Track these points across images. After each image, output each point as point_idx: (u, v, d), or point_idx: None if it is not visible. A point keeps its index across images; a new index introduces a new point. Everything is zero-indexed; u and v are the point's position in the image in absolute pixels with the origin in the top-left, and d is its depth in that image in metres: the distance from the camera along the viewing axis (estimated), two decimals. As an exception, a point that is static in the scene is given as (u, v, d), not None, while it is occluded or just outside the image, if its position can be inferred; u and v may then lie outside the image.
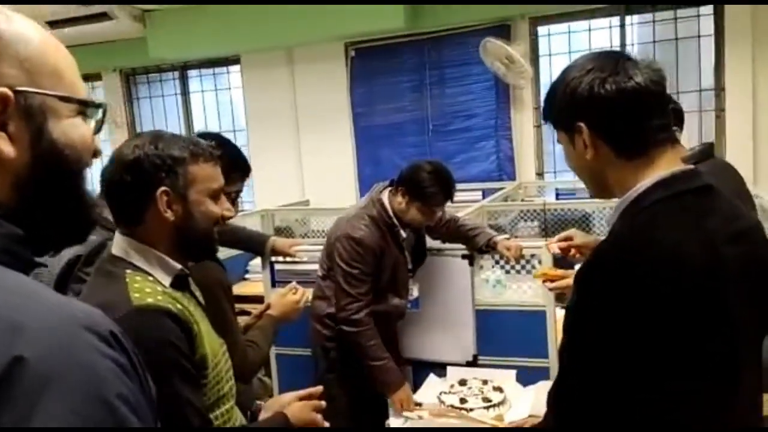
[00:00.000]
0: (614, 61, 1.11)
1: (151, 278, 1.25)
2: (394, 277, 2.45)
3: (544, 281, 1.88)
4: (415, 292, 2.59)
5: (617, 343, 1.01)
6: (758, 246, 1.11)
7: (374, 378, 2.36)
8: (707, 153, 1.83)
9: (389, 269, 2.42)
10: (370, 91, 5.67)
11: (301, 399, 1.53)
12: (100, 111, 0.77)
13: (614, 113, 1.08)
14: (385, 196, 2.44)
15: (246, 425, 1.44)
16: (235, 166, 1.81)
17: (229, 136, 6.28)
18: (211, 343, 1.30)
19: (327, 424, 1.51)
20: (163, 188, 1.24)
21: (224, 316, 1.63)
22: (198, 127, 6.46)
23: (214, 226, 1.33)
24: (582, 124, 1.11)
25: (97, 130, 0.77)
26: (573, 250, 1.79)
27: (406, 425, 2.19)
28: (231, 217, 1.44)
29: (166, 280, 1.27)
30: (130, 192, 1.24)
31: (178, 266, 1.29)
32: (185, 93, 6.45)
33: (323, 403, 1.53)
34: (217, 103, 6.41)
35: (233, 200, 1.85)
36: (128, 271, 1.24)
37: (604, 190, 1.18)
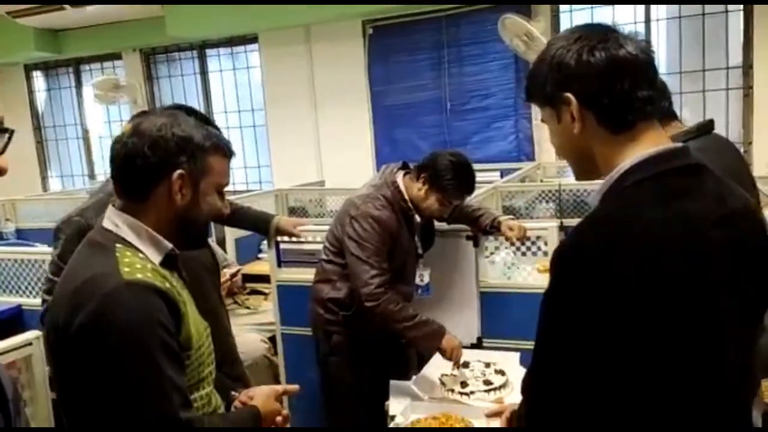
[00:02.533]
0: (602, 31, 1.07)
1: (141, 255, 1.24)
2: (403, 263, 2.41)
3: None
4: (426, 277, 2.55)
5: (594, 329, 0.96)
6: (748, 228, 1.06)
7: (415, 339, 2.32)
8: (705, 129, 1.73)
9: (400, 254, 2.38)
10: (387, 70, 5.61)
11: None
12: (6, 135, 0.88)
13: (603, 82, 1.04)
14: (399, 179, 2.40)
15: (221, 413, 1.43)
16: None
17: (248, 115, 6.38)
18: (196, 325, 1.29)
19: (286, 412, 1.49)
20: (180, 171, 1.24)
21: (207, 300, 1.61)
22: (217, 107, 6.47)
23: (213, 220, 1.33)
24: (570, 95, 1.06)
25: (2, 151, 0.90)
26: None
27: (405, 407, 2.17)
28: (226, 215, 1.43)
29: (156, 258, 1.26)
30: (146, 167, 1.23)
31: (170, 245, 1.28)
32: (204, 72, 6.47)
33: (296, 387, 1.54)
34: (236, 83, 6.41)
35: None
36: (118, 245, 1.23)
37: (589, 170, 1.13)
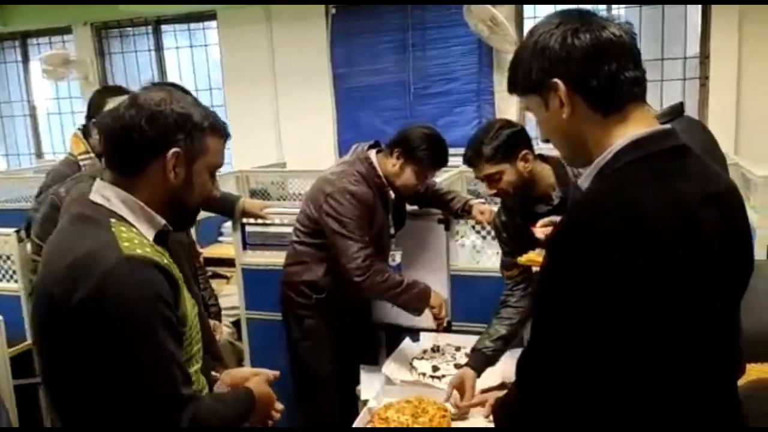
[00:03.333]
0: (582, 15, 1.07)
1: (135, 230, 1.21)
2: (378, 242, 2.38)
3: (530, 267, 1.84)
4: (397, 257, 2.53)
5: (590, 310, 0.94)
6: (733, 208, 1.07)
7: (405, 302, 2.32)
8: (678, 111, 1.76)
9: (376, 230, 2.35)
10: (350, 52, 5.53)
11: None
12: None
13: (590, 64, 1.03)
14: (372, 156, 2.36)
15: (215, 393, 1.43)
16: None
17: (205, 95, 6.20)
18: (189, 302, 1.27)
19: (281, 406, 1.52)
20: (176, 149, 1.21)
21: (185, 278, 1.58)
22: (173, 85, 6.29)
23: (203, 202, 1.32)
24: (557, 80, 1.05)
25: None
26: None
27: (377, 390, 2.15)
28: (216, 198, 1.41)
29: (150, 234, 1.23)
30: (143, 141, 1.19)
31: (162, 221, 1.26)
32: (159, 49, 6.24)
33: (277, 373, 1.55)
34: (193, 61, 6.21)
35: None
36: (112, 219, 1.19)
37: (582, 154, 1.10)
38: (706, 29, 4.72)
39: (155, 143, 1.20)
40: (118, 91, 2.52)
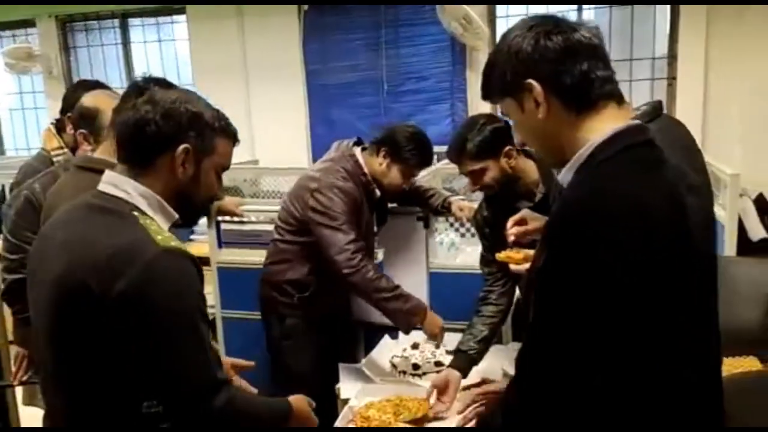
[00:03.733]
0: (553, 19, 1.12)
1: (155, 223, 1.24)
2: (365, 238, 2.36)
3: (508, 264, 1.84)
4: (380, 255, 2.52)
5: (600, 302, 0.95)
6: (707, 199, 1.17)
7: (394, 312, 2.20)
8: (658, 110, 1.79)
9: (362, 229, 2.33)
10: (323, 48, 5.49)
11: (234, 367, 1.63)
12: None
13: (562, 63, 1.07)
14: (358, 153, 2.34)
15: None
16: None
17: (175, 90, 6.07)
18: None
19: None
20: (186, 145, 1.26)
21: None
22: (141, 80, 6.16)
23: (209, 202, 1.39)
24: (532, 81, 1.08)
25: None
26: (528, 237, 1.77)
27: (358, 389, 2.13)
28: (219, 198, 1.52)
29: (165, 227, 1.27)
30: (155, 135, 1.24)
31: (176, 214, 1.30)
32: (126, 43, 6.11)
33: (252, 363, 1.67)
34: (161, 56, 6.09)
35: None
36: (134, 212, 1.23)
37: (557, 154, 1.14)
38: (673, 30, 4.81)
39: (167, 139, 1.24)
40: (95, 85, 2.48)
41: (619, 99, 1.10)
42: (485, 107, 5.20)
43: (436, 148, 5.38)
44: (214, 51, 5.68)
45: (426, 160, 2.38)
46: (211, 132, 1.29)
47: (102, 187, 1.26)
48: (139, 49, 6.12)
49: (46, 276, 1.22)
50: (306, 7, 5.41)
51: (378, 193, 2.36)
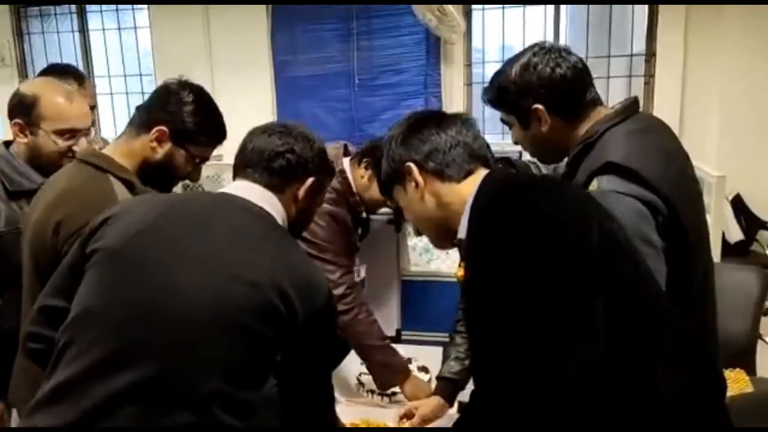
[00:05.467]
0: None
1: None
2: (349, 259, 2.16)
3: None
4: (362, 272, 2.32)
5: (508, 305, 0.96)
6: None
7: (378, 364, 2.02)
8: (634, 108, 1.67)
9: (352, 256, 2.14)
10: (293, 39, 5.25)
11: None
12: None
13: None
14: (347, 167, 2.14)
15: None
16: None
17: (135, 81, 5.80)
18: None
19: None
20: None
21: None
22: (99, 69, 5.85)
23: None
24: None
25: None
26: None
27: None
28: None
29: None
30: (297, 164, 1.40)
31: None
32: (84, 30, 5.79)
33: None
34: (121, 44, 5.79)
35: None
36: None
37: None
38: (652, 27, 4.70)
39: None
40: (66, 70, 2.36)
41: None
42: (459, 103, 5.08)
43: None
44: (178, 40, 5.40)
45: None
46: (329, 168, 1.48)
47: (255, 200, 1.31)
48: (98, 37, 5.81)
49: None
50: (274, -4, 5.18)
51: (364, 214, 2.17)
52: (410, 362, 2.17)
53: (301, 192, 1.35)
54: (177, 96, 1.66)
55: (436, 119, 1.26)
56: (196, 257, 1.15)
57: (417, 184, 1.20)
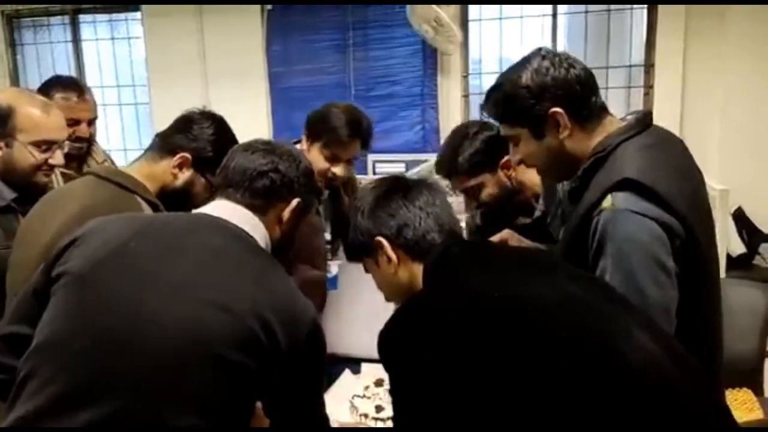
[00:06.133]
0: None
1: None
2: (308, 244, 2.08)
3: None
4: (333, 269, 2.25)
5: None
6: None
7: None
8: (647, 122, 1.61)
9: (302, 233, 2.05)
10: (288, 50, 5.20)
11: None
12: None
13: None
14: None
15: None
16: None
17: (128, 92, 5.74)
18: None
19: None
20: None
21: None
22: (92, 80, 5.78)
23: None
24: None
25: None
26: None
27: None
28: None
29: None
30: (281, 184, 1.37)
31: None
32: (77, 41, 5.74)
33: None
34: (115, 55, 5.73)
35: None
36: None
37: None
38: (651, 38, 4.66)
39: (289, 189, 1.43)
40: (70, 83, 2.35)
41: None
42: (457, 115, 5.02)
43: (407, 156, 5.19)
44: (171, 51, 5.35)
45: (349, 133, 2.10)
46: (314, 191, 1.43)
47: (241, 224, 1.25)
48: (91, 48, 5.76)
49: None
50: (270, 6, 5.13)
51: (324, 192, 2.09)
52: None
53: (286, 213, 1.31)
54: (199, 125, 1.70)
55: (402, 189, 1.23)
56: (170, 283, 1.07)
57: (390, 260, 1.20)
